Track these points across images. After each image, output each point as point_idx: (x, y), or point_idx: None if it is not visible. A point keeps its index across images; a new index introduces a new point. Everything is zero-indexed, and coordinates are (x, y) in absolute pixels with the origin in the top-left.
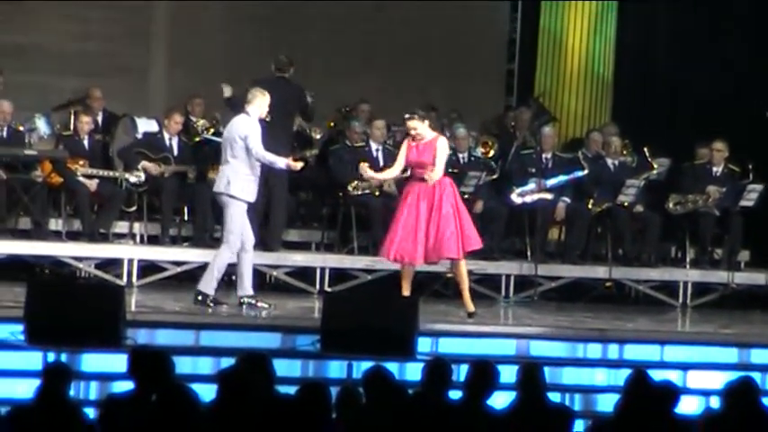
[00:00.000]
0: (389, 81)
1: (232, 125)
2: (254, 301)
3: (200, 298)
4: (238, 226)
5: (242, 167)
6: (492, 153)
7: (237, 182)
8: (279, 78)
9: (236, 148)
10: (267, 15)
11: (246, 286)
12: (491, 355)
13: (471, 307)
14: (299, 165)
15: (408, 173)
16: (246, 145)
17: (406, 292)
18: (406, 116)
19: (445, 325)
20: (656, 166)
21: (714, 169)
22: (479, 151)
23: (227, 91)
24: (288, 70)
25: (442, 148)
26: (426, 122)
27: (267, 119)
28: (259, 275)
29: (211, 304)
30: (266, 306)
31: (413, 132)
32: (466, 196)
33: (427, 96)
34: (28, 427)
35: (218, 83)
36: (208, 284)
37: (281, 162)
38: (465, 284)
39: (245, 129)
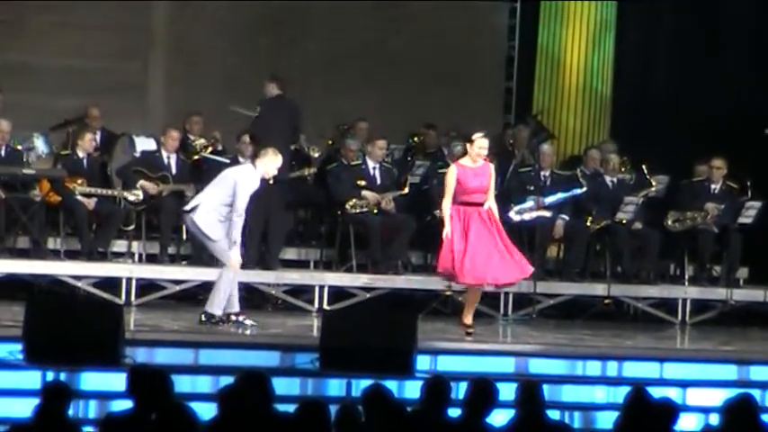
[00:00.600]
0: (388, 99)
1: (238, 168)
2: (241, 318)
3: (203, 318)
4: (222, 247)
5: (217, 205)
6: None
7: (204, 213)
8: (279, 96)
9: (224, 185)
10: (266, 33)
11: (234, 303)
12: (490, 373)
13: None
14: (238, 264)
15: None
16: (234, 192)
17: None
18: (479, 135)
19: (444, 343)
20: (654, 183)
21: (713, 186)
22: None
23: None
24: (286, 88)
25: (493, 173)
26: None
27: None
28: (258, 294)
29: (219, 323)
30: (253, 323)
31: (481, 152)
32: None
33: (426, 114)
34: None
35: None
36: (213, 305)
37: (234, 250)
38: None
39: (242, 179)
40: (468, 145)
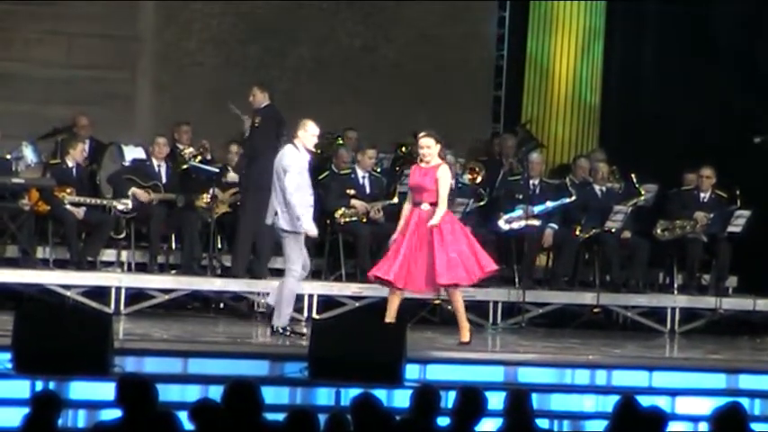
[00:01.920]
0: (376, 108)
1: (280, 156)
2: (288, 331)
3: (279, 330)
4: (296, 255)
5: (283, 200)
6: (479, 179)
7: (281, 213)
8: (270, 106)
9: (282, 179)
10: (254, 42)
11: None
12: (479, 382)
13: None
14: (315, 233)
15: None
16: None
17: (392, 319)
18: (422, 134)
19: (433, 352)
20: (643, 192)
21: (702, 195)
22: (466, 178)
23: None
24: (273, 96)
25: (444, 177)
26: (438, 147)
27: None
28: (247, 303)
29: (291, 335)
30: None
31: (424, 151)
32: None
33: (414, 123)
34: None
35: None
36: (282, 317)
37: (306, 222)
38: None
39: (288, 161)
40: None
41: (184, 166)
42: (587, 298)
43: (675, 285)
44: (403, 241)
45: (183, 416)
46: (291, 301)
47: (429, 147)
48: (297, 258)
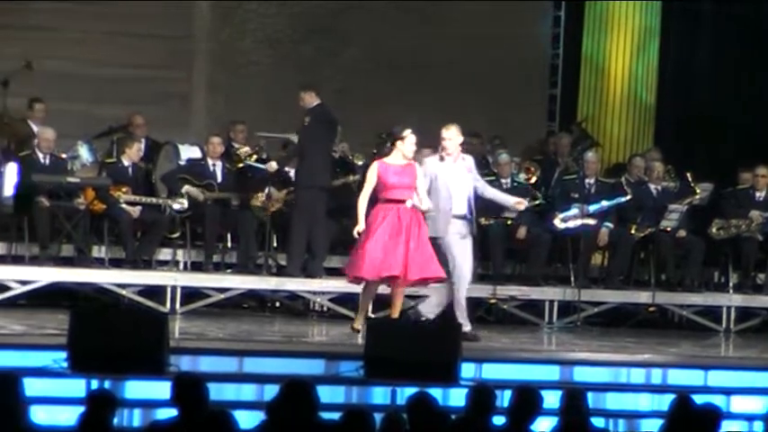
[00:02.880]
0: (432, 108)
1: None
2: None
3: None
4: (447, 259)
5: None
6: (534, 178)
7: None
8: (320, 105)
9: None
10: (307, 42)
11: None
12: (535, 381)
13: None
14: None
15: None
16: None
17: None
18: (410, 131)
19: (488, 351)
20: (698, 191)
21: (757, 194)
22: (522, 177)
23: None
24: (321, 94)
25: (420, 173)
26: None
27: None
28: (302, 302)
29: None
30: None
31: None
32: (509, 222)
33: (470, 123)
34: None
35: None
36: (465, 321)
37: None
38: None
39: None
40: (398, 143)
41: (240, 165)
42: (642, 297)
43: (731, 284)
44: (375, 236)
45: (238, 415)
46: (464, 306)
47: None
48: (447, 262)
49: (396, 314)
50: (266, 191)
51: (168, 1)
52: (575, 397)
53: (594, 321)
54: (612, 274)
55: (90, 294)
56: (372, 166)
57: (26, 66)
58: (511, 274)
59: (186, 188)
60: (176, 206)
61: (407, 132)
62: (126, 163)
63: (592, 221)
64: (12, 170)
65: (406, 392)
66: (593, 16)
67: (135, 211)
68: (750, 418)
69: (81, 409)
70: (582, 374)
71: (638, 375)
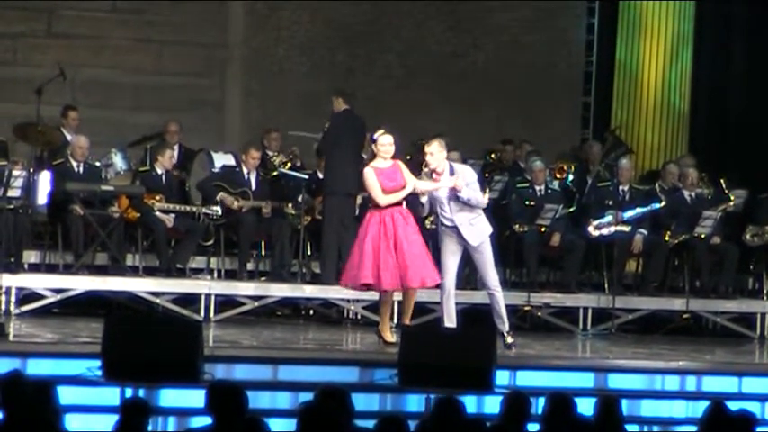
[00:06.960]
0: (465, 114)
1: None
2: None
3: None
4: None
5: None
6: (565, 177)
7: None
8: (348, 111)
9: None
10: (341, 49)
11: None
12: (569, 388)
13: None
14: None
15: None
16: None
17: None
18: (382, 132)
19: (523, 358)
20: (732, 197)
21: None
22: (555, 183)
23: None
24: (353, 103)
25: (403, 168)
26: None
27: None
28: (337, 310)
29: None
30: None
31: (392, 149)
32: (543, 229)
33: (503, 130)
34: None
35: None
36: (507, 326)
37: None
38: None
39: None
40: (373, 146)
41: (274, 173)
42: (677, 304)
43: (765, 291)
44: (372, 243)
45: (272, 423)
46: (503, 312)
47: (392, 143)
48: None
49: (407, 321)
50: (301, 199)
51: (202, 9)
52: (609, 404)
53: (629, 328)
54: (647, 281)
55: (124, 302)
56: (368, 172)
57: (60, 74)
58: (545, 281)
59: (220, 195)
60: (210, 214)
61: (379, 134)
62: (159, 171)
63: (626, 228)
64: (45, 178)
65: None
66: (626, 23)
67: (169, 220)
68: None
69: (115, 417)
70: (616, 381)
71: (672, 382)
